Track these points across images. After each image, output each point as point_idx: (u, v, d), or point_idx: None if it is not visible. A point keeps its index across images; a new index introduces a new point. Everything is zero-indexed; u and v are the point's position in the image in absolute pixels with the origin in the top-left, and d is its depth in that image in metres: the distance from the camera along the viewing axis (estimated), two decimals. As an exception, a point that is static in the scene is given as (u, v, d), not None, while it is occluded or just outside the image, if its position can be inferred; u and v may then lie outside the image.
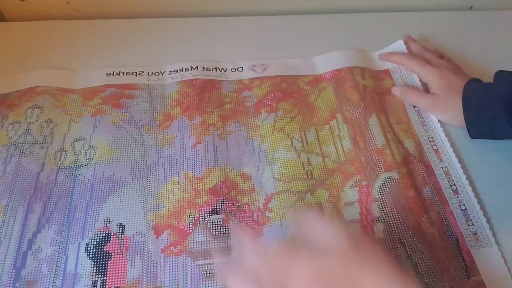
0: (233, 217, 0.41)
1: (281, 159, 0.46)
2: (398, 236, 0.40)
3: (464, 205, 0.43)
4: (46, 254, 0.38)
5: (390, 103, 0.51)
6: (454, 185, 0.44)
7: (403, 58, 0.53)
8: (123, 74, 0.53)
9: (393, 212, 0.42)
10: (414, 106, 0.51)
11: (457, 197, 0.43)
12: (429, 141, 0.48)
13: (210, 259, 0.38)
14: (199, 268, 0.38)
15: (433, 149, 0.47)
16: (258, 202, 0.43)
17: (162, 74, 0.53)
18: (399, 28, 0.59)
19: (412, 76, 0.53)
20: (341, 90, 0.52)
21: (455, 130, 0.49)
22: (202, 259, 0.38)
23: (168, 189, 0.43)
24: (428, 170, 0.45)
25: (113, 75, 0.52)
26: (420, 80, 0.52)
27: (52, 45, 0.56)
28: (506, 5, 0.66)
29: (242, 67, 0.54)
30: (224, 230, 0.40)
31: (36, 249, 0.38)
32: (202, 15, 0.61)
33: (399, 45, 0.56)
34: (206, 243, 0.39)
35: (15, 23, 0.60)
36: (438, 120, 0.49)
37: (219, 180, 0.43)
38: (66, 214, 0.41)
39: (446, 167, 0.45)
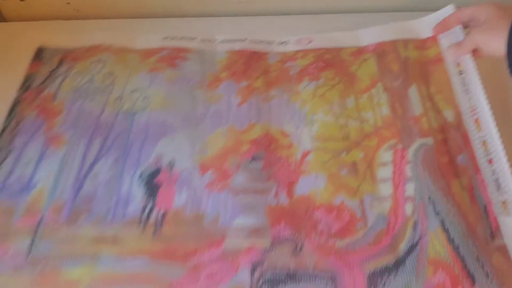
0: (271, 165, 0.44)
1: (320, 121, 0.48)
2: (428, 194, 0.42)
3: (497, 174, 0.44)
4: (103, 179, 0.43)
5: (433, 73, 0.51)
6: (490, 155, 0.45)
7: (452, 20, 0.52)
8: (178, 39, 0.57)
9: (425, 174, 0.43)
10: (460, 73, 0.50)
11: (491, 166, 0.44)
12: (470, 110, 0.48)
13: (249, 195, 0.41)
14: (238, 202, 0.41)
15: (473, 118, 0.47)
16: (295, 156, 0.45)
17: (213, 42, 0.58)
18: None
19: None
20: (382, 62, 0.54)
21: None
22: (242, 195, 0.41)
23: (214, 138, 0.47)
24: (465, 139, 0.46)
25: (169, 39, 0.57)
26: None
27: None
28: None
29: (288, 41, 0.58)
30: (262, 174, 0.43)
31: (94, 174, 0.43)
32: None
33: (448, 10, 0.54)
34: (246, 183, 0.43)
35: (15, 23, 0.60)
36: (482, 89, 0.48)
37: (261, 134, 0.47)
38: (123, 149, 0.45)
39: (484, 136, 0.46)
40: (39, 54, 0.55)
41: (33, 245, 0.38)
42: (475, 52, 0.49)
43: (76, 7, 0.62)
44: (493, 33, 0.45)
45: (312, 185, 0.43)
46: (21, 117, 0.48)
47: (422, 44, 0.54)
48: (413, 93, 0.50)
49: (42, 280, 0.37)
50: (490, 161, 0.44)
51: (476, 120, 0.47)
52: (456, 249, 0.38)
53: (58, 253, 0.38)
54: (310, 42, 0.57)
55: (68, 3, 0.61)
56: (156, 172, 0.43)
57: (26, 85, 0.51)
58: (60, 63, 0.53)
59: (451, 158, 0.45)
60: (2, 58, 0.55)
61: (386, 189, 0.43)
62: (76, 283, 0.36)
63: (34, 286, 0.36)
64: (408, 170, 0.44)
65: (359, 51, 0.56)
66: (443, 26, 0.53)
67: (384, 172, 0.44)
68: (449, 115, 0.48)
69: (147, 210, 0.41)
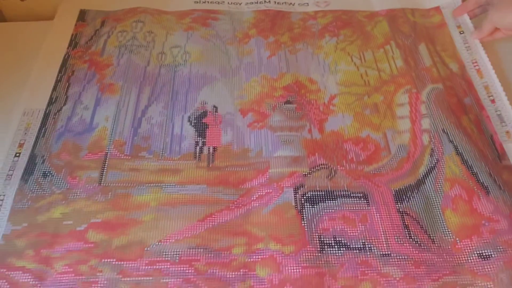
0: (303, 107, 0.50)
1: (342, 70, 0.54)
2: (442, 127, 0.48)
3: (499, 111, 0.51)
4: (156, 120, 0.48)
5: (437, 35, 0.59)
6: (492, 96, 0.52)
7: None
8: (208, 2, 0.63)
9: (438, 111, 0.50)
10: (461, 32, 0.58)
11: (494, 105, 0.51)
12: (472, 63, 0.55)
13: (286, 131, 0.47)
14: (278, 137, 0.47)
15: (475, 69, 0.55)
16: (323, 99, 0.51)
17: (240, 4, 0.63)
18: None
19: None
20: (394, 24, 0.60)
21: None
22: (279, 132, 0.47)
23: (250, 85, 0.52)
24: (469, 84, 0.53)
25: (199, 2, 0.62)
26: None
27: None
28: None
29: (307, 3, 0.64)
30: (296, 114, 0.49)
31: (148, 117, 0.48)
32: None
33: None
34: (282, 122, 0.48)
35: (15, 23, 0.61)
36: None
37: (291, 81, 0.53)
38: (170, 96, 0.51)
39: (486, 82, 0.53)
40: (82, 16, 0.59)
41: (103, 175, 0.44)
42: (496, 31, 0.56)
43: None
44: (507, 9, 0.51)
45: (340, 122, 0.49)
46: (73, 70, 0.53)
47: (427, 13, 0.62)
48: (423, 49, 0.57)
49: (115, 203, 0.42)
50: (492, 101, 0.51)
51: (478, 70, 0.54)
52: (469, 168, 0.45)
53: (126, 181, 0.43)
54: (327, 4, 0.63)
55: None
56: (203, 115, 0.49)
57: (73, 43, 0.56)
58: (103, 23, 0.58)
59: (458, 99, 0.51)
60: (47, 23, 0.59)
61: (404, 124, 0.49)
62: (146, 205, 0.42)
63: (108, 208, 0.41)
64: (423, 109, 0.50)
65: (372, 15, 0.62)
66: (463, 9, 0.60)
67: (402, 111, 0.50)
68: (454, 67, 0.55)
69: (199, 146, 0.46)
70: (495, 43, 0.59)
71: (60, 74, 0.52)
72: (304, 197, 0.43)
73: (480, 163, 0.45)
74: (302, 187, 0.43)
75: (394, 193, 0.43)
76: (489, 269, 0.39)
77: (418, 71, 0.54)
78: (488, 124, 0.49)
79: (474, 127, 0.49)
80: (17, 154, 0.45)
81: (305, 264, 0.38)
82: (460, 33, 0.59)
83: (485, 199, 0.43)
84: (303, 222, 0.41)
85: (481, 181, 0.44)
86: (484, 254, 0.40)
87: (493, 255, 0.39)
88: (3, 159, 0.45)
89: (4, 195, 0.42)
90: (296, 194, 0.43)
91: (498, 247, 0.40)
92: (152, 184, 0.43)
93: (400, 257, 0.39)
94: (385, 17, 0.62)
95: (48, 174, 0.44)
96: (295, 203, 0.42)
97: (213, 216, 0.41)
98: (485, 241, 0.40)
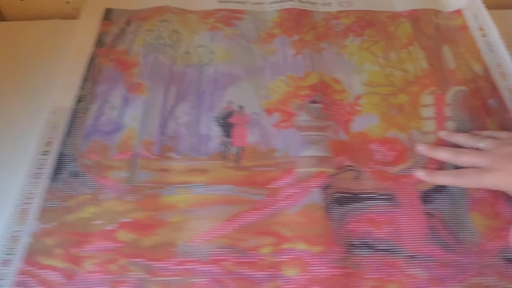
0: (329, 107, 0.50)
1: (368, 70, 0.55)
2: (467, 130, 0.48)
3: (525, 113, 0.50)
4: (183, 120, 0.49)
5: (460, 37, 0.59)
6: (517, 99, 0.52)
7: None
8: (232, 2, 0.63)
9: (462, 114, 0.50)
10: (484, 35, 0.58)
11: (519, 107, 0.51)
12: (496, 65, 0.55)
13: (312, 131, 0.48)
14: (305, 137, 0.47)
15: (499, 72, 0.54)
16: (349, 99, 0.52)
17: (263, 4, 0.63)
18: None
19: (482, 13, 0.60)
20: (417, 25, 0.60)
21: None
22: (306, 132, 0.48)
23: (276, 85, 0.53)
24: (493, 87, 0.53)
25: (223, 2, 0.63)
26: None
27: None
28: (506, 5, 0.66)
29: (330, 2, 0.64)
30: (322, 114, 0.50)
31: (175, 117, 0.49)
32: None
33: None
34: (309, 122, 0.49)
35: (15, 23, 0.61)
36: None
37: (317, 81, 0.53)
38: (196, 95, 0.51)
39: (510, 85, 0.53)
40: (108, 15, 0.60)
41: (132, 175, 0.44)
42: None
43: (76, 6, 0.62)
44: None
45: (367, 123, 0.49)
46: (100, 69, 0.53)
47: (448, 16, 0.62)
48: (447, 51, 0.57)
49: (145, 203, 0.42)
50: (518, 105, 0.51)
51: (502, 73, 0.53)
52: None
53: (155, 181, 0.44)
54: (350, 4, 0.63)
55: (68, 2, 0.63)
56: (229, 114, 0.50)
57: (100, 42, 0.57)
58: (128, 23, 0.59)
59: (483, 102, 0.51)
60: (73, 22, 0.60)
61: (430, 126, 0.49)
62: (175, 206, 0.42)
63: (138, 208, 0.42)
64: (447, 111, 0.50)
65: (395, 15, 0.62)
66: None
67: (427, 112, 0.50)
68: (478, 69, 0.55)
69: (226, 146, 0.47)
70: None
71: (87, 73, 0.53)
72: (332, 198, 0.43)
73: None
74: (330, 187, 0.44)
75: (420, 194, 0.44)
76: (516, 273, 0.39)
77: (443, 72, 0.54)
78: (513, 127, 0.49)
79: (498, 129, 0.49)
80: (45, 153, 0.46)
81: (332, 265, 0.39)
82: (483, 36, 0.58)
83: (509, 202, 0.43)
84: (330, 223, 0.41)
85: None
86: (509, 257, 0.40)
87: (518, 258, 0.40)
88: (31, 157, 0.46)
89: (32, 193, 0.43)
90: (323, 194, 0.43)
91: None
92: (180, 185, 0.44)
93: (427, 258, 0.40)
94: (408, 18, 0.61)
95: (77, 173, 0.45)
96: (323, 203, 0.43)
97: (240, 216, 0.42)
98: (509, 244, 0.41)
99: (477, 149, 0.43)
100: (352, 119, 0.50)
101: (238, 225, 0.41)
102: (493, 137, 0.44)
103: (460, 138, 0.46)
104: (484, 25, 0.59)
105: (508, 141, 0.42)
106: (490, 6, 0.59)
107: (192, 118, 0.49)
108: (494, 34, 0.57)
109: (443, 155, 0.44)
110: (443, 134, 0.47)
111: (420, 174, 0.44)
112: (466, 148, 0.44)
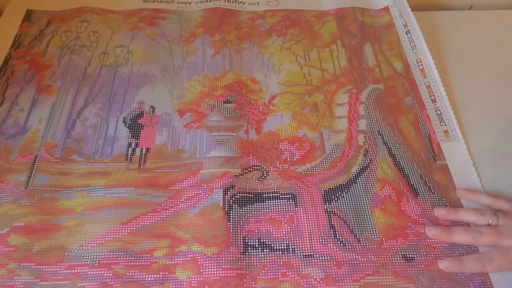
0: (242, 107, 0.50)
1: (286, 69, 0.54)
2: (378, 128, 0.48)
3: (439, 110, 0.50)
4: (91, 122, 0.48)
5: (385, 35, 0.59)
6: (433, 95, 0.52)
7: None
8: (157, 2, 0.62)
9: (375, 112, 0.50)
10: (407, 32, 0.58)
11: (435, 104, 0.51)
12: (416, 62, 0.55)
13: (222, 131, 0.47)
14: (213, 137, 0.47)
15: (419, 68, 0.54)
16: (264, 99, 0.51)
17: (190, 3, 0.62)
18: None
19: (406, 9, 0.59)
20: (342, 23, 0.60)
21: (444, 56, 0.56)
22: (215, 132, 0.47)
23: (191, 85, 0.52)
24: (412, 84, 0.53)
25: (148, 2, 0.62)
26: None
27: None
28: (506, 5, 0.66)
29: (258, 2, 0.63)
30: (234, 114, 0.49)
31: (83, 119, 0.48)
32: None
33: None
34: (219, 122, 0.48)
35: None
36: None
37: (233, 80, 0.52)
38: (108, 96, 0.50)
39: (428, 81, 0.53)
40: (28, 16, 0.59)
41: (30, 178, 0.43)
42: None
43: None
44: None
45: (278, 122, 0.49)
46: (13, 71, 0.52)
47: (376, 13, 0.62)
48: (368, 49, 0.57)
49: (40, 207, 0.41)
50: (433, 101, 0.51)
51: (421, 70, 0.54)
52: (401, 170, 0.45)
53: (54, 184, 0.43)
54: (278, 4, 0.63)
55: None
56: (139, 115, 0.49)
57: (17, 44, 0.55)
58: (48, 23, 0.58)
59: (399, 100, 0.51)
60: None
61: (342, 124, 0.49)
62: (72, 210, 0.41)
63: (32, 212, 0.41)
64: (361, 110, 0.50)
65: (322, 14, 0.62)
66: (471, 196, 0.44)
67: (341, 111, 0.50)
68: (398, 66, 0.55)
69: (131, 148, 0.46)
70: (439, 42, 0.59)
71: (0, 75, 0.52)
72: (233, 199, 0.42)
73: (412, 165, 0.45)
74: (232, 188, 0.43)
75: (323, 193, 0.43)
76: (411, 271, 0.39)
77: (361, 71, 0.54)
78: (427, 124, 0.49)
79: (412, 127, 0.49)
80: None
81: (226, 266, 0.38)
82: (407, 33, 0.58)
83: (413, 201, 0.43)
84: (229, 223, 0.41)
85: (412, 182, 0.44)
86: (407, 256, 0.40)
87: (416, 258, 0.39)
88: None
89: None
90: (225, 195, 0.43)
91: (422, 250, 0.40)
92: (79, 188, 0.43)
93: (323, 257, 0.39)
94: (334, 16, 0.61)
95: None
96: (223, 204, 0.42)
97: (138, 219, 0.41)
98: (409, 243, 0.40)
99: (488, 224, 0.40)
100: (265, 119, 0.49)
101: (134, 228, 0.41)
102: (499, 210, 0.41)
103: (469, 217, 0.41)
104: (408, 21, 0.59)
105: None
106: (412, 8, 0.59)
107: (100, 120, 0.48)
108: (416, 30, 0.57)
109: (462, 237, 0.40)
110: (443, 214, 0.42)
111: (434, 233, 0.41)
112: (479, 226, 0.41)
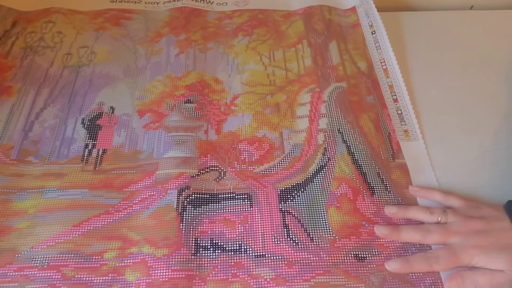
0: (203, 107, 0.50)
1: (250, 69, 0.54)
2: (338, 126, 0.48)
3: (400, 110, 0.50)
4: (49, 123, 0.48)
5: (351, 34, 0.59)
6: (395, 95, 0.52)
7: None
8: (125, 2, 0.62)
9: (336, 110, 0.49)
10: (373, 33, 0.58)
11: (396, 104, 0.51)
12: (380, 62, 0.55)
13: (181, 132, 0.47)
14: (171, 137, 0.46)
15: (383, 68, 0.54)
16: (226, 99, 0.51)
17: (157, 3, 0.62)
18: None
19: (372, 10, 0.59)
20: (309, 22, 0.60)
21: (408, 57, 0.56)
22: (174, 132, 0.47)
23: (153, 85, 0.52)
24: (374, 83, 0.53)
25: (116, 2, 0.62)
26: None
27: None
28: (506, 5, 0.66)
29: (226, 2, 0.63)
30: (194, 114, 0.49)
31: (42, 120, 0.48)
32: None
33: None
34: (179, 122, 0.48)
35: None
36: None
37: (195, 80, 0.52)
38: (68, 98, 0.50)
39: (391, 81, 0.53)
40: (-8, 17, 0.58)
41: (-15, 180, 0.43)
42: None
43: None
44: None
45: (239, 122, 0.49)
46: (-26, 73, 0.52)
47: (343, 13, 0.62)
48: (333, 47, 0.57)
49: (-8, 208, 0.41)
50: (395, 100, 0.51)
51: (385, 70, 0.54)
52: (359, 167, 0.45)
53: (7, 186, 0.43)
54: (246, 4, 0.62)
55: None
56: (97, 116, 0.48)
57: (-21, 45, 0.55)
58: (14, 24, 0.57)
59: (361, 98, 0.51)
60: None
61: (302, 124, 0.49)
62: (24, 212, 0.41)
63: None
64: (322, 108, 0.50)
65: (289, 14, 0.62)
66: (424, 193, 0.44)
67: (302, 111, 0.50)
68: (362, 65, 0.55)
69: (88, 149, 0.46)
70: (403, 43, 0.59)
71: (-40, 77, 0.52)
72: (187, 200, 0.42)
73: (370, 163, 0.45)
74: (187, 189, 0.43)
75: (279, 192, 0.43)
76: (362, 271, 0.39)
77: (325, 69, 0.54)
78: (388, 122, 0.49)
79: (372, 125, 0.49)
80: None
81: (175, 267, 0.38)
82: (372, 33, 0.58)
83: (369, 200, 0.43)
84: (181, 224, 0.41)
85: (369, 181, 0.44)
86: (360, 255, 0.39)
87: (367, 257, 0.39)
88: None
89: None
90: (179, 196, 0.42)
91: (374, 250, 0.40)
92: (33, 190, 0.43)
93: (275, 257, 0.39)
94: (302, 16, 0.61)
95: None
96: (176, 205, 0.42)
97: (90, 221, 0.41)
98: (362, 242, 0.40)
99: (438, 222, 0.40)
100: (226, 119, 0.49)
101: (85, 230, 0.40)
102: (449, 207, 0.41)
103: (419, 215, 0.41)
104: (374, 22, 0.59)
105: (467, 212, 0.40)
106: (378, 9, 0.59)
107: (58, 121, 0.48)
108: (382, 31, 0.57)
109: (411, 235, 0.39)
110: (393, 212, 0.42)
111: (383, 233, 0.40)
112: (429, 224, 0.40)
